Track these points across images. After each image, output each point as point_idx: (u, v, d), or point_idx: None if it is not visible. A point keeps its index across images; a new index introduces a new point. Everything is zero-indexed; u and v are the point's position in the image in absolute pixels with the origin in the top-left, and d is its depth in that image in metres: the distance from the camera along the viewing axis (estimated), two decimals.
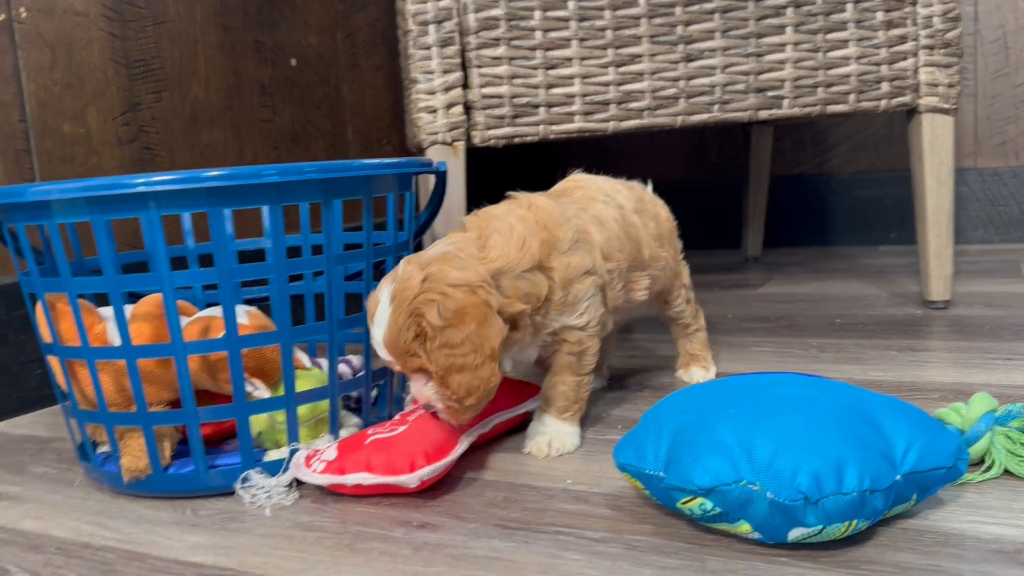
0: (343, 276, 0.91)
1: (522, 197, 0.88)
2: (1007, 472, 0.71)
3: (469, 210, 1.32)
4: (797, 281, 1.79)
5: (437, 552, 0.67)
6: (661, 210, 1.04)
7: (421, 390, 0.80)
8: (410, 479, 0.75)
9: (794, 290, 1.69)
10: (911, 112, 1.36)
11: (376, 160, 0.85)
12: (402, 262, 0.80)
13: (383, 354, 0.79)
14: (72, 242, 0.97)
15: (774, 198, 2.20)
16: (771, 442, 0.62)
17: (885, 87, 1.33)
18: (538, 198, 0.88)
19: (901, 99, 1.34)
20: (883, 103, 1.34)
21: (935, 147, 1.34)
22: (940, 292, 1.38)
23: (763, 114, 1.34)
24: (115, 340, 0.83)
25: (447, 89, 1.29)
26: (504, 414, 0.90)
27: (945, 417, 0.74)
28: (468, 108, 1.30)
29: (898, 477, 0.62)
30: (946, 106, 1.33)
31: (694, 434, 0.65)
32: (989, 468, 0.71)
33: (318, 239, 1.08)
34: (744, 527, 0.63)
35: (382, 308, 0.77)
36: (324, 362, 1.03)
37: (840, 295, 1.59)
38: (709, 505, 0.63)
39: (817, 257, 2.08)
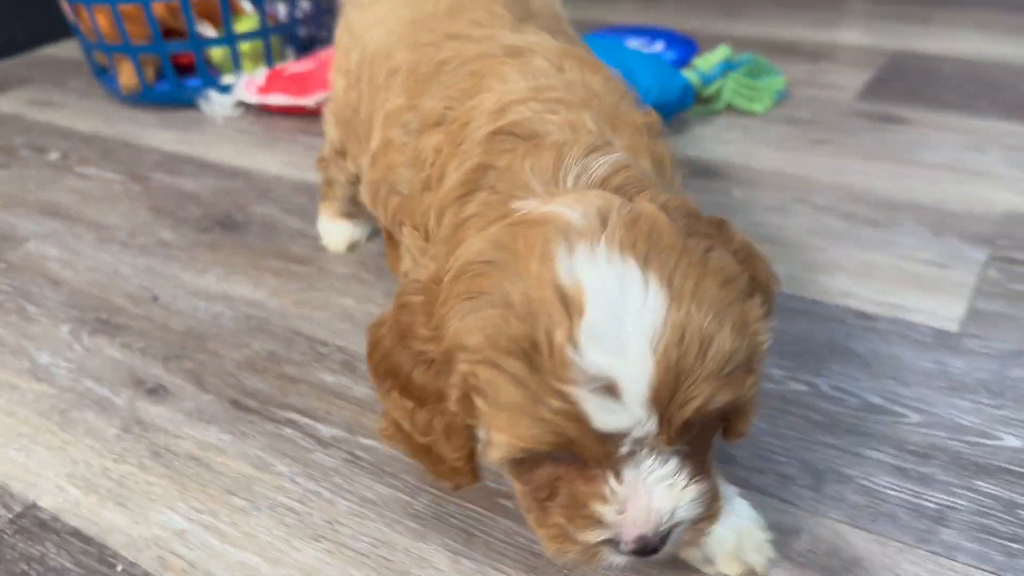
0: None
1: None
2: (731, 108, 0.97)
3: None
4: None
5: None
6: None
7: (663, 493, 0.36)
8: (308, 100, 1.05)
9: None
10: None
11: None
12: (577, 204, 0.36)
13: (636, 406, 0.33)
14: None
15: None
16: None
17: None
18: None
19: None
20: None
21: None
22: None
23: None
24: None
25: None
26: None
27: (698, 64, 0.98)
28: None
29: None
30: None
31: None
32: (718, 104, 0.97)
33: None
34: None
35: (630, 291, 0.33)
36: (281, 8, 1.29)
37: None
38: None
39: None
